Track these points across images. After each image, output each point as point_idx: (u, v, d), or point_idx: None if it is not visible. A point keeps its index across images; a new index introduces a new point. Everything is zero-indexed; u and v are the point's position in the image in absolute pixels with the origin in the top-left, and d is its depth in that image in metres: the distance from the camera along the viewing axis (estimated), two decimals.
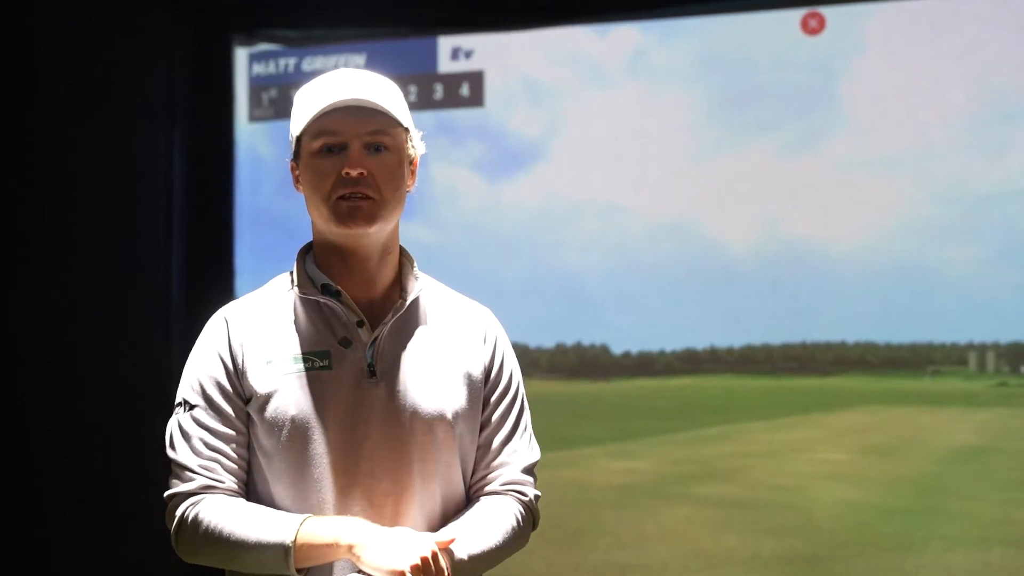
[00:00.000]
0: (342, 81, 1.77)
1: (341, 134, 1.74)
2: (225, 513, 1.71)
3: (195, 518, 1.72)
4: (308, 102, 1.77)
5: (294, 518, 1.70)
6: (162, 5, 4.51)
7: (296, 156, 1.81)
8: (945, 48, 4.22)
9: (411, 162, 1.82)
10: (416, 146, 1.84)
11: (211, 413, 1.76)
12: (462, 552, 1.71)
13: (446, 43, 4.65)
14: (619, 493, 4.59)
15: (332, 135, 1.74)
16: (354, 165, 1.73)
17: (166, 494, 1.77)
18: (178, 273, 4.56)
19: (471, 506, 1.82)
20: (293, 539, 1.66)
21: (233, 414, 1.76)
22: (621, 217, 4.58)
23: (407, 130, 1.81)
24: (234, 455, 1.76)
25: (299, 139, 1.79)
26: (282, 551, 1.67)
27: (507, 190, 4.71)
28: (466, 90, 4.64)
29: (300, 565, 1.67)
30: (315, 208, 1.78)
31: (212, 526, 1.71)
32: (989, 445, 4.40)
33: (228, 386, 1.77)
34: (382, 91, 1.78)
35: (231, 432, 1.76)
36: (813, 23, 4.32)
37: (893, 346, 4.38)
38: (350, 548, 1.65)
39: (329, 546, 1.66)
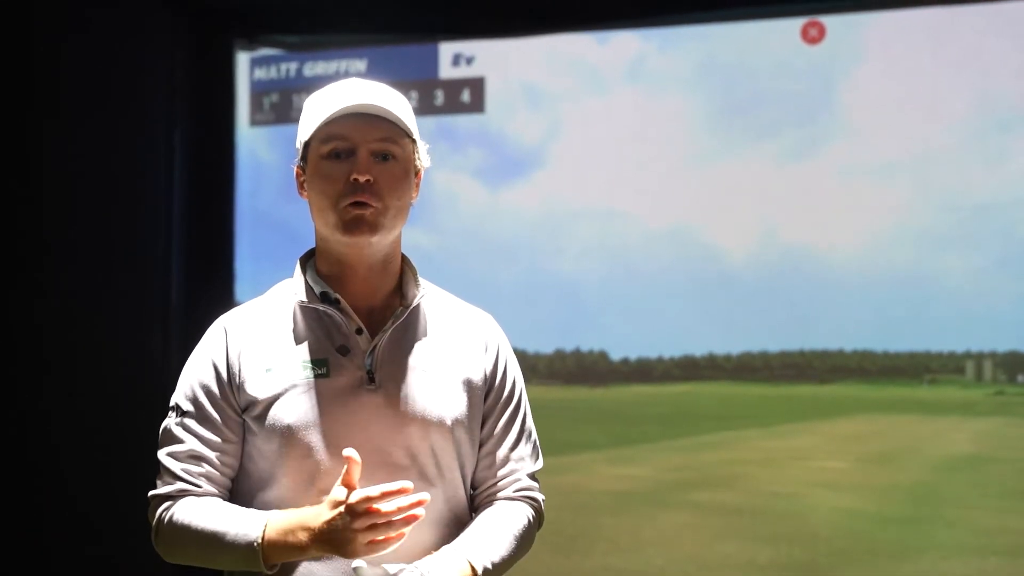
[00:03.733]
0: (353, 88, 1.78)
1: (350, 139, 1.75)
2: (197, 513, 1.74)
3: (170, 519, 1.76)
4: (318, 108, 1.77)
5: (260, 516, 1.72)
6: (163, 9, 4.52)
7: (303, 161, 1.82)
8: (944, 57, 4.24)
9: (416, 174, 1.83)
10: (422, 159, 1.84)
11: (199, 420, 1.78)
12: (487, 559, 1.74)
13: (447, 49, 4.66)
14: (617, 499, 4.60)
15: (341, 140, 1.75)
16: (362, 171, 1.74)
17: (149, 494, 1.81)
18: (178, 275, 4.56)
19: (489, 511, 1.84)
20: (260, 535, 1.69)
21: (222, 422, 1.78)
22: (620, 224, 4.59)
23: (414, 142, 1.82)
24: (218, 462, 1.78)
25: (307, 144, 1.79)
26: (251, 551, 1.69)
27: (507, 196, 4.72)
28: (467, 96, 4.66)
29: (271, 560, 1.69)
30: (320, 213, 1.78)
31: (185, 524, 1.74)
32: (986, 454, 4.41)
33: (219, 395, 1.78)
34: (392, 101, 1.79)
35: (217, 440, 1.78)
36: (813, 32, 4.34)
37: (891, 354, 4.39)
38: (313, 547, 1.66)
39: (295, 548, 1.68)
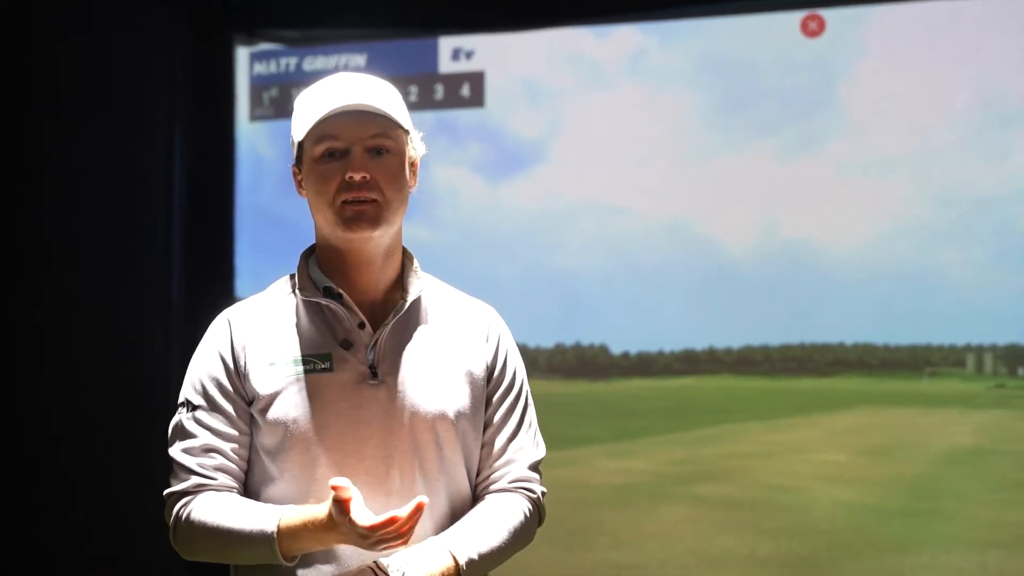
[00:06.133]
0: (342, 86, 1.78)
1: (343, 139, 1.75)
2: (214, 509, 1.74)
3: (188, 516, 1.75)
4: (309, 107, 1.77)
5: (275, 508, 1.72)
6: (163, 5, 4.52)
7: (298, 161, 1.82)
8: (944, 51, 4.23)
9: (412, 163, 1.84)
10: (417, 147, 1.85)
11: (212, 413, 1.78)
12: (472, 551, 1.71)
13: (447, 43, 4.66)
14: (617, 493, 4.60)
15: (334, 140, 1.75)
16: (357, 169, 1.74)
17: (164, 492, 1.79)
18: (178, 272, 4.57)
19: (479, 504, 1.83)
20: (275, 528, 1.68)
21: (234, 414, 1.78)
22: (620, 218, 4.59)
23: (407, 132, 1.82)
24: (233, 455, 1.78)
25: (300, 144, 1.80)
26: (268, 542, 1.69)
27: (507, 191, 4.72)
28: (467, 91, 4.65)
29: (289, 553, 1.69)
30: (319, 212, 1.79)
31: (202, 522, 1.73)
32: (986, 447, 4.41)
33: (229, 386, 1.78)
34: (382, 94, 1.79)
35: (232, 432, 1.78)
36: (813, 25, 4.33)
37: (891, 348, 4.39)
38: (331, 528, 1.65)
39: (309, 528, 1.67)
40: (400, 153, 1.80)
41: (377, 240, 1.79)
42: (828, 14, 4.32)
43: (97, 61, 4.28)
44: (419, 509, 1.61)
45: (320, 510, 1.66)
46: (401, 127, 1.79)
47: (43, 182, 4.24)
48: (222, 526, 1.72)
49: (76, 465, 4.15)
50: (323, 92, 1.78)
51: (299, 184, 1.84)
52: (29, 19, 4.17)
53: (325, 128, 1.75)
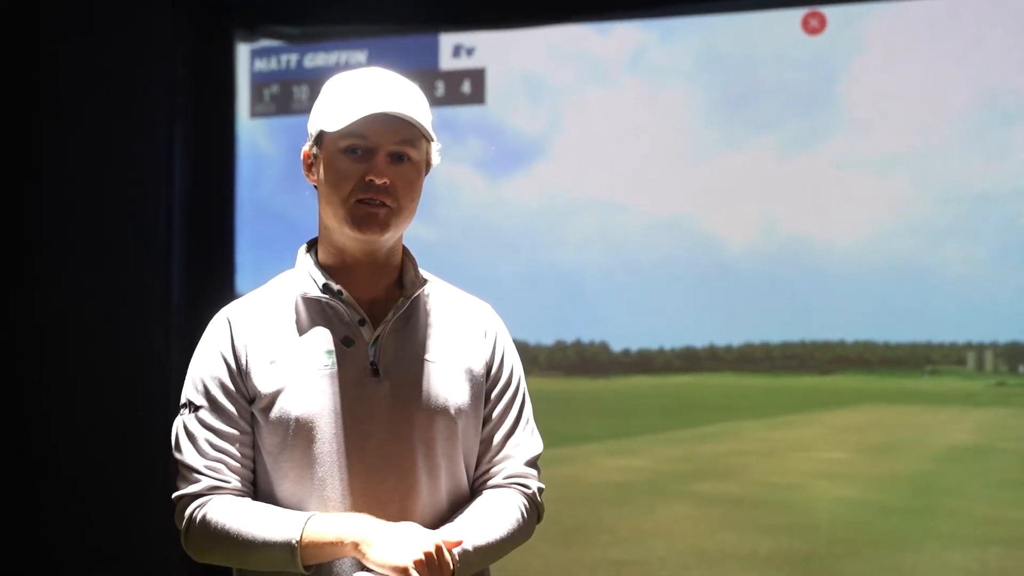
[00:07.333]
0: (379, 87, 1.77)
1: (370, 139, 1.75)
2: (232, 513, 1.73)
3: (203, 519, 1.74)
4: (342, 101, 1.76)
5: (300, 516, 1.71)
6: (163, 2, 4.51)
7: (316, 146, 1.81)
8: (945, 48, 4.23)
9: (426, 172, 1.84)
10: (433, 159, 1.85)
11: (215, 414, 1.77)
12: (467, 545, 1.71)
13: (448, 40, 4.65)
14: (617, 490, 4.61)
15: (361, 139, 1.75)
16: (380, 173, 1.75)
17: (174, 495, 1.78)
18: (179, 269, 4.56)
19: (475, 500, 1.83)
20: (299, 538, 1.68)
21: (237, 414, 1.77)
22: (621, 215, 4.59)
23: (430, 142, 1.82)
24: (239, 455, 1.78)
25: (322, 131, 1.78)
26: (288, 550, 1.68)
27: (508, 187, 4.72)
28: (467, 87, 4.65)
29: (307, 562, 1.69)
30: (330, 206, 1.78)
31: (220, 526, 1.72)
32: (987, 444, 4.42)
33: (232, 386, 1.78)
34: (415, 102, 1.79)
35: (236, 432, 1.77)
36: (814, 22, 4.33)
37: (892, 345, 4.39)
38: (355, 545, 1.66)
39: (334, 544, 1.67)
40: (420, 163, 1.81)
41: (381, 241, 1.79)
42: (829, 11, 4.31)
43: (98, 57, 4.27)
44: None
45: (345, 530, 1.67)
46: (426, 138, 1.79)
47: (43, 182, 4.23)
48: (242, 531, 1.71)
49: (76, 465, 4.15)
50: (358, 89, 1.77)
51: (308, 168, 1.83)
52: (29, 19, 4.17)
53: (354, 126, 1.74)
